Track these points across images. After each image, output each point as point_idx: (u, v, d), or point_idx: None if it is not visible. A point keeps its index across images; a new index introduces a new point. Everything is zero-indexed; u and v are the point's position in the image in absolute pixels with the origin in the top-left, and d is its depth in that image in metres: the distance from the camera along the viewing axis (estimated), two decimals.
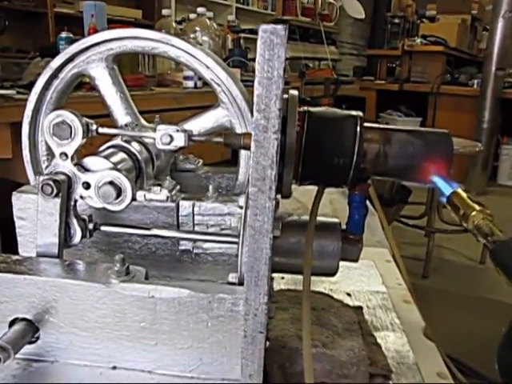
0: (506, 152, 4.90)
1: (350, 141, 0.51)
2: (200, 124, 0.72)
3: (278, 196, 0.52)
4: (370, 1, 5.85)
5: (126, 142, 0.64)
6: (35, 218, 0.57)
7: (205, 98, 1.97)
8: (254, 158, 0.42)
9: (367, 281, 0.87)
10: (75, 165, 0.57)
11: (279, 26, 0.39)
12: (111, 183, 0.56)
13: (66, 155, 0.57)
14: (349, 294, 0.81)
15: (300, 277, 0.54)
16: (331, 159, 0.51)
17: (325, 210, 0.58)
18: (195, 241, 0.65)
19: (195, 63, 0.68)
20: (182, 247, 0.66)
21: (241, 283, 0.51)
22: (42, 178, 0.55)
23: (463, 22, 5.64)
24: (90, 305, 0.52)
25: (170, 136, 0.56)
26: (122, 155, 0.62)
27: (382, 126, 0.55)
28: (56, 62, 0.68)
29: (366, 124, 0.53)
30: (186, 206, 0.66)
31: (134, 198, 0.57)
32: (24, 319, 0.53)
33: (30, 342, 0.53)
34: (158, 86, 2.21)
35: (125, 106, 0.71)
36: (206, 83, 0.71)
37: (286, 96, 0.50)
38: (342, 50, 5.85)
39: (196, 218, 0.66)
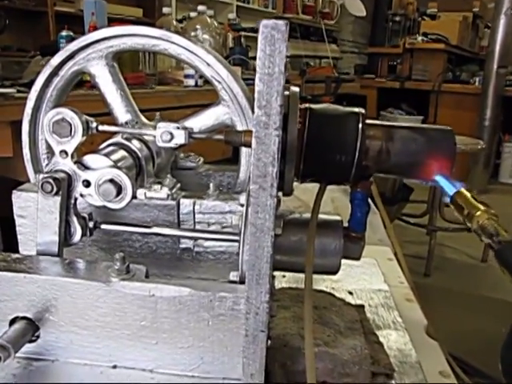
0: (507, 150, 4.89)
1: (352, 138, 0.50)
2: (201, 122, 0.71)
3: (280, 194, 0.52)
4: None
5: (126, 139, 0.64)
6: (35, 217, 0.57)
7: (206, 96, 1.98)
8: (255, 154, 0.41)
9: (369, 279, 0.86)
10: (75, 163, 0.57)
11: (280, 22, 0.39)
12: (111, 181, 0.56)
13: (65, 153, 0.57)
14: (351, 293, 0.81)
15: (301, 275, 0.54)
16: (333, 156, 0.51)
17: (326, 208, 0.58)
18: (196, 239, 0.65)
19: (196, 60, 0.68)
20: (182, 245, 0.66)
21: (242, 282, 0.50)
22: (41, 176, 0.55)
23: (465, 20, 5.62)
24: (90, 303, 0.52)
25: (171, 133, 0.55)
26: (122, 153, 0.62)
27: (384, 122, 0.54)
28: (56, 60, 0.68)
29: (368, 121, 0.52)
30: (186, 204, 0.65)
31: (134, 196, 0.57)
32: (24, 318, 0.53)
33: (31, 341, 0.53)
34: (158, 84, 2.20)
35: (125, 103, 0.71)
36: (206, 81, 0.71)
37: (287, 93, 0.49)
38: (343, 48, 5.84)
39: (197, 216, 0.65)
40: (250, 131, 0.46)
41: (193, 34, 2.58)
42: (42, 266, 0.54)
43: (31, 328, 0.52)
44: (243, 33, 3.28)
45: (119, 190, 0.56)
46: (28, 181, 0.70)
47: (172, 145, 0.56)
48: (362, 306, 0.75)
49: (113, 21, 2.44)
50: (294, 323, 0.62)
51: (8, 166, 1.41)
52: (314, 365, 0.49)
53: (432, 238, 2.77)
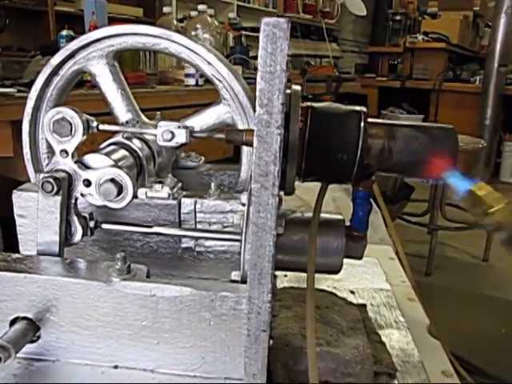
0: (508, 149, 4.88)
1: (354, 136, 0.50)
2: (202, 121, 0.71)
3: (281, 193, 0.51)
4: None
5: (127, 139, 0.64)
6: (36, 216, 0.57)
7: (206, 96, 1.97)
8: (257, 153, 0.41)
9: (371, 278, 0.86)
10: (76, 162, 0.57)
11: (282, 19, 0.38)
12: (112, 181, 0.56)
13: (66, 152, 0.56)
14: (352, 292, 0.81)
15: (303, 274, 0.53)
16: (335, 155, 0.50)
17: (328, 207, 0.57)
18: (197, 238, 0.64)
19: (196, 59, 0.68)
20: (183, 245, 0.66)
21: (243, 281, 0.50)
22: (42, 175, 0.55)
23: (465, 19, 5.61)
24: (91, 303, 0.52)
25: (172, 132, 0.55)
26: (123, 152, 0.61)
27: (386, 121, 0.54)
28: (56, 59, 0.68)
29: (369, 119, 0.52)
30: (187, 204, 0.65)
31: (135, 196, 0.57)
32: (25, 318, 0.52)
33: (31, 341, 0.53)
34: (159, 83, 2.20)
35: (126, 102, 0.71)
36: (207, 80, 0.70)
37: (288, 91, 0.49)
38: (344, 47, 5.83)
39: (198, 215, 0.65)
40: (252, 130, 0.46)
41: (193, 33, 2.58)
42: (42, 266, 0.54)
43: (32, 328, 0.52)
44: (244, 32, 3.27)
45: (120, 189, 0.56)
46: (28, 180, 0.70)
47: (173, 144, 0.56)
48: (364, 306, 0.75)
49: (113, 20, 2.44)
50: (296, 323, 0.62)
51: (8, 165, 1.41)
52: (316, 364, 0.49)
53: (433, 236, 2.76)
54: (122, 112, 0.71)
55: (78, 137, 0.56)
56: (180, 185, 0.67)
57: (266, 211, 0.42)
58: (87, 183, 0.57)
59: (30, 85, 0.69)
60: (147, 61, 2.17)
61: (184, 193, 0.66)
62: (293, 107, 0.49)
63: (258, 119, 0.40)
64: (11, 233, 0.66)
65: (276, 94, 0.40)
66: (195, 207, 0.65)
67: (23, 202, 0.63)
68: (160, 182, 0.61)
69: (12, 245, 0.67)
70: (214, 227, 0.65)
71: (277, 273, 0.64)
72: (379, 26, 6.04)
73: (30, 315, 0.52)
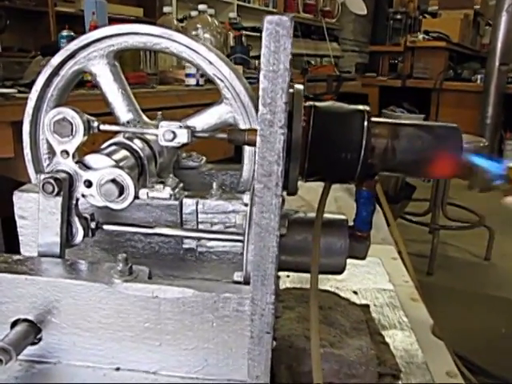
0: (509, 147, 4.87)
1: (358, 135, 0.50)
2: (203, 120, 0.71)
3: (284, 193, 0.51)
4: None
5: (128, 139, 0.63)
6: (37, 217, 0.56)
7: (207, 96, 1.97)
8: (260, 153, 0.40)
9: (374, 278, 0.86)
10: (77, 163, 0.56)
11: (285, 17, 0.38)
12: (113, 181, 0.55)
13: (67, 153, 0.56)
14: (355, 292, 0.80)
15: (306, 275, 0.53)
16: (338, 154, 0.50)
17: (330, 207, 0.57)
18: (199, 239, 0.64)
19: (198, 58, 0.67)
20: (185, 246, 0.65)
21: (246, 282, 0.50)
22: (42, 176, 0.55)
23: (466, 17, 5.60)
24: (92, 305, 0.51)
25: (173, 132, 0.55)
26: (124, 152, 0.61)
27: (389, 120, 0.53)
28: (57, 59, 0.67)
29: (373, 118, 0.51)
30: (189, 204, 0.65)
31: (136, 196, 0.56)
32: (26, 320, 0.52)
33: (33, 343, 0.52)
34: (159, 83, 2.20)
35: (127, 102, 0.70)
36: (208, 80, 0.70)
37: (291, 90, 0.48)
38: (344, 46, 5.83)
39: (200, 215, 0.65)
40: (254, 130, 0.46)
41: (194, 33, 2.57)
42: (43, 268, 0.54)
43: (33, 330, 0.52)
44: (244, 32, 3.26)
45: (121, 190, 0.55)
46: (29, 181, 0.69)
47: (175, 144, 0.55)
48: (367, 306, 0.74)
49: (113, 21, 2.43)
50: (299, 324, 0.61)
51: (9, 166, 1.40)
52: (321, 366, 0.48)
53: (435, 236, 2.76)
54: (122, 112, 0.70)
55: (79, 137, 0.55)
56: (181, 185, 0.67)
57: (269, 212, 0.42)
58: (88, 184, 0.56)
59: (30, 85, 0.69)
60: (148, 61, 2.17)
61: (186, 193, 0.66)
62: (295, 106, 0.48)
63: (261, 119, 0.40)
64: (12, 234, 0.65)
65: (279, 93, 0.39)
66: (197, 208, 0.65)
67: (24, 202, 0.63)
68: (161, 183, 0.61)
69: (13, 246, 0.66)
70: (215, 228, 0.65)
71: (279, 273, 0.64)
72: (380, 25, 6.04)
73: (31, 317, 0.52)
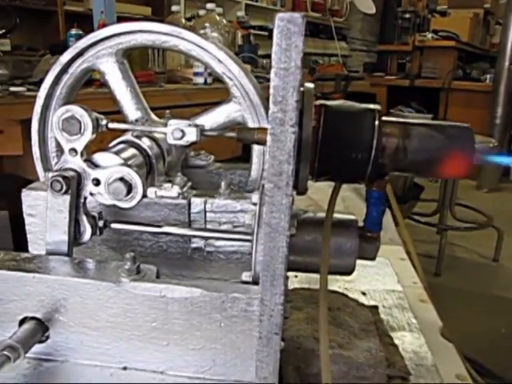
0: None
1: (369, 135, 0.49)
2: (212, 119, 0.70)
3: (293, 192, 0.50)
4: None
5: (136, 137, 0.63)
6: (45, 215, 0.56)
7: (215, 95, 1.96)
8: (271, 152, 0.40)
9: (382, 279, 0.85)
10: (85, 161, 0.56)
11: (296, 14, 0.37)
12: (122, 179, 0.55)
13: (75, 151, 0.56)
14: (364, 293, 0.79)
15: (314, 275, 0.52)
16: (349, 154, 0.49)
17: (337, 207, 0.56)
18: (207, 238, 0.64)
19: (206, 57, 0.67)
20: (193, 245, 0.65)
21: (255, 282, 0.49)
22: (51, 174, 0.54)
23: (475, 16, 5.55)
24: (100, 304, 0.51)
25: (182, 131, 0.54)
26: (132, 151, 0.61)
27: (400, 119, 0.53)
28: (65, 57, 0.67)
29: (384, 118, 0.51)
30: (197, 203, 0.64)
31: (144, 195, 0.56)
32: (34, 318, 0.52)
33: (40, 342, 0.52)
34: (167, 82, 2.20)
35: (135, 100, 0.70)
36: (215, 79, 0.70)
37: (301, 89, 0.48)
38: (353, 45, 5.80)
39: (208, 215, 0.64)
40: (263, 128, 0.45)
41: (202, 31, 2.57)
42: (51, 266, 0.53)
43: (41, 328, 0.52)
44: (252, 31, 3.26)
45: (129, 188, 0.55)
46: (38, 179, 0.69)
47: (183, 142, 0.55)
48: (376, 307, 0.74)
49: (122, 19, 2.43)
50: (308, 325, 0.61)
51: (18, 164, 1.41)
52: (330, 368, 0.48)
53: (442, 237, 2.74)
54: (131, 110, 0.70)
55: (88, 135, 0.55)
56: (190, 184, 0.66)
57: (279, 211, 0.41)
58: (96, 182, 0.56)
59: (39, 83, 0.69)
60: (156, 59, 2.17)
61: (194, 192, 0.66)
62: (306, 105, 0.48)
63: (272, 117, 0.39)
64: (20, 231, 0.65)
65: (290, 91, 0.39)
66: (205, 207, 0.64)
67: (32, 200, 0.63)
68: (170, 181, 0.60)
69: (21, 243, 0.66)
70: (224, 227, 0.64)
71: (287, 273, 0.63)
72: (388, 25, 6.00)
73: (38, 315, 0.52)
